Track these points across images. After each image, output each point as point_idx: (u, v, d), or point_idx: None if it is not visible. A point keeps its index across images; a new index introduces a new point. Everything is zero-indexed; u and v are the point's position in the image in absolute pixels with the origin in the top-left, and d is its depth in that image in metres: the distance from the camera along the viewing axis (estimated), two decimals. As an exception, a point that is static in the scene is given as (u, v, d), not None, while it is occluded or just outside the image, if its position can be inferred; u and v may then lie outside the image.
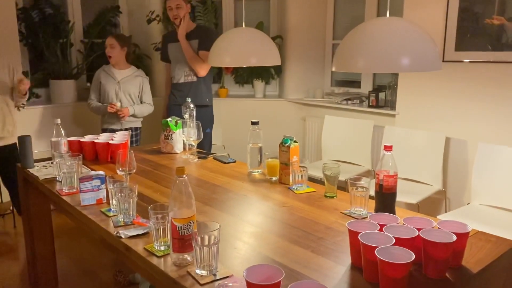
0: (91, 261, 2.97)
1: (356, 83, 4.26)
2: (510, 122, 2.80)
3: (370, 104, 3.73)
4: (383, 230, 1.26)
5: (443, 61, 3.07)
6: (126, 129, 3.31)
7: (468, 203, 2.81)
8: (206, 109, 3.42)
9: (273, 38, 4.40)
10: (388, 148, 1.57)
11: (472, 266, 1.29)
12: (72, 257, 3.02)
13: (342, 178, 1.99)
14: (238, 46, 2.34)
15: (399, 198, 2.86)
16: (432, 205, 3.15)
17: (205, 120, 3.26)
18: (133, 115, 3.38)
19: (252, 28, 2.45)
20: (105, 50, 3.34)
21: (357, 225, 1.30)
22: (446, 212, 2.91)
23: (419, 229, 1.25)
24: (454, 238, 1.20)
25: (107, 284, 2.66)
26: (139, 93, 3.39)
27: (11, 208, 3.55)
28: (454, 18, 2.98)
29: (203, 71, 3.32)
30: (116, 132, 2.69)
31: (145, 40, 4.41)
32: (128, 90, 3.34)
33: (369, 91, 3.76)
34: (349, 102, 3.93)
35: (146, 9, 4.28)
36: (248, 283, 1.00)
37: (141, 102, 3.47)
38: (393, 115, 3.48)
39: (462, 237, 1.25)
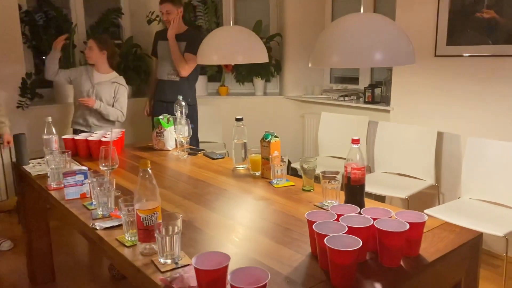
0: (87, 256, 3.06)
1: (354, 80, 4.27)
2: (500, 116, 2.79)
3: (366, 100, 3.74)
4: (339, 220, 1.29)
5: (435, 56, 3.07)
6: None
7: (459, 197, 2.81)
8: (188, 107, 3.50)
9: (272, 36, 4.44)
10: (355, 141, 1.60)
11: (429, 255, 1.31)
12: (68, 252, 3.11)
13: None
14: (225, 44, 2.38)
15: (389, 192, 2.91)
16: (425, 199, 3.15)
17: (188, 118, 3.37)
18: (99, 111, 3.26)
19: (239, 26, 2.49)
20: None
21: (316, 215, 1.34)
22: (438, 206, 2.92)
23: (375, 219, 1.28)
24: (407, 227, 1.23)
25: (102, 277, 2.75)
26: (112, 98, 3.31)
27: (15, 205, 3.67)
28: (445, 13, 2.98)
29: (185, 71, 3.50)
30: (112, 130, 2.77)
31: (147, 40, 4.49)
32: (101, 94, 3.27)
33: (364, 87, 3.77)
34: (346, 98, 3.94)
35: (147, 9, 4.35)
36: (196, 270, 1.05)
37: None
38: (388, 111, 3.49)
39: (417, 226, 1.28)
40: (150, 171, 1.34)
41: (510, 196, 2.56)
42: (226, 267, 1.04)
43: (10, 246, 3.13)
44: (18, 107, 3.72)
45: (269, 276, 1.00)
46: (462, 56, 2.93)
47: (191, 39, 3.48)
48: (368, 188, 2.14)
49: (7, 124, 3.10)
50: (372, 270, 1.24)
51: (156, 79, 3.71)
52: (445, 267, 1.34)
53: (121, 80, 3.39)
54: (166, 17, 3.46)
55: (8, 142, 3.09)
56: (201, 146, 3.68)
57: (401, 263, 1.27)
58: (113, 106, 3.32)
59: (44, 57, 4.11)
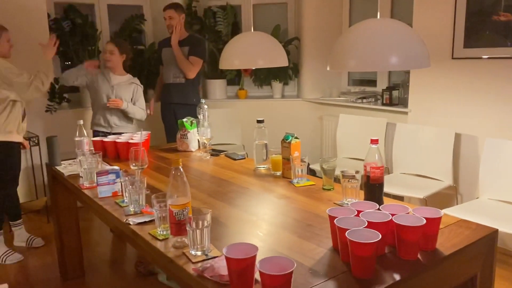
0: (114, 254, 3.19)
1: (372, 82, 4.32)
2: (518, 117, 2.82)
3: (384, 102, 3.79)
4: (359, 216, 1.37)
5: (452, 58, 3.11)
6: (115, 134, 3.15)
7: (477, 198, 2.85)
8: (193, 107, 3.67)
9: (291, 40, 4.53)
10: (374, 141, 1.68)
11: (445, 249, 1.38)
12: (97, 250, 3.25)
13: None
14: (246, 49, 2.48)
15: (407, 193, 2.96)
16: (443, 200, 3.19)
17: (193, 116, 3.52)
18: (125, 111, 3.36)
19: (260, 32, 2.59)
20: (104, 55, 3.40)
21: (337, 211, 1.42)
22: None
23: (393, 215, 1.36)
24: (423, 221, 1.30)
25: (129, 274, 2.87)
26: (131, 99, 3.41)
27: (45, 204, 3.83)
28: (462, 16, 3.02)
29: (192, 73, 3.71)
30: (137, 132, 2.89)
31: (168, 45, 4.62)
32: (120, 95, 3.36)
33: (382, 90, 3.82)
34: (364, 100, 4.00)
35: (168, 16, 4.49)
36: (227, 258, 1.14)
37: None
38: (406, 113, 3.53)
39: (433, 221, 1.35)
40: (181, 169, 1.44)
41: (528, 196, 2.59)
42: (254, 256, 1.13)
43: (41, 243, 3.29)
44: (46, 111, 3.88)
45: (295, 265, 1.08)
46: (480, 58, 2.97)
47: (194, 43, 3.74)
48: (386, 189, 2.21)
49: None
50: (390, 263, 1.31)
51: (162, 83, 3.93)
52: (460, 261, 1.40)
53: (137, 81, 3.52)
54: (169, 22, 3.67)
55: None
56: (221, 148, 3.79)
57: (418, 256, 1.33)
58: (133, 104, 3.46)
59: (69, 63, 4.28)
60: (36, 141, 3.60)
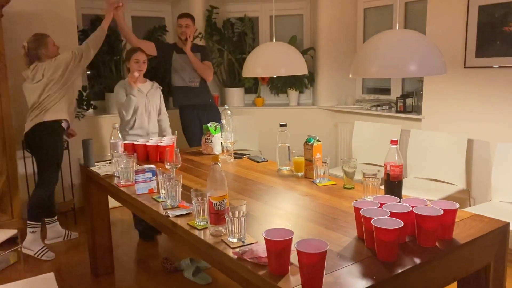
0: (141, 252, 3.34)
1: (386, 90, 4.47)
2: (529, 123, 2.94)
3: (398, 109, 3.92)
4: (382, 207, 1.51)
5: (465, 67, 3.25)
6: None
7: (490, 200, 2.96)
8: (211, 106, 4.04)
9: (306, 50, 4.70)
10: (394, 142, 1.82)
11: (461, 239, 1.51)
12: (125, 248, 3.41)
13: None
14: (268, 58, 2.64)
15: (421, 196, 3.07)
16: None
17: (215, 113, 3.94)
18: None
19: (281, 42, 2.75)
20: (135, 64, 3.37)
21: (362, 203, 1.56)
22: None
23: (413, 207, 1.49)
24: (441, 212, 1.44)
25: (156, 270, 3.01)
26: (159, 102, 3.59)
27: (72, 206, 4.01)
28: (473, 27, 3.17)
29: (211, 77, 3.96)
30: (164, 137, 3.06)
31: (189, 55, 4.82)
32: (154, 102, 3.51)
33: (396, 97, 3.96)
34: (378, 108, 4.14)
35: (189, 27, 4.69)
36: (266, 240, 1.28)
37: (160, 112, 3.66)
38: (419, 120, 3.67)
39: (450, 212, 1.48)
40: (220, 164, 1.60)
41: (539, 198, 2.70)
42: (291, 239, 1.28)
43: (76, 235, 3.59)
44: (75, 117, 4.07)
45: (328, 245, 1.23)
46: (491, 67, 3.10)
47: (203, 50, 3.97)
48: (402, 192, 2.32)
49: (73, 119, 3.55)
50: (411, 249, 1.44)
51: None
52: (474, 250, 1.53)
53: (156, 83, 3.63)
54: (184, 30, 3.80)
55: (71, 134, 3.60)
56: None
57: (436, 244, 1.47)
58: (160, 108, 3.61)
59: (99, 72, 4.48)
60: (66, 145, 3.78)
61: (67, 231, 3.58)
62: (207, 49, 4.13)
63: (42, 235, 3.38)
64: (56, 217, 3.54)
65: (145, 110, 3.45)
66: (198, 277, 2.83)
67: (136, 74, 3.32)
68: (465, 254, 1.50)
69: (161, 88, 3.65)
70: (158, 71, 4.56)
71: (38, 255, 3.20)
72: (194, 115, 3.99)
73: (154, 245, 3.44)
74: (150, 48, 3.84)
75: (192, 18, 3.89)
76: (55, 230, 3.52)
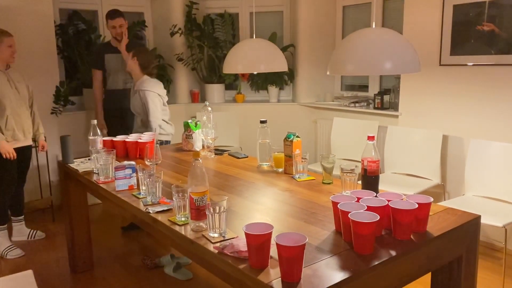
0: (121, 248, 3.33)
1: (364, 87, 4.54)
2: (500, 120, 3.04)
3: (376, 106, 3.99)
4: (359, 201, 1.55)
5: (440, 65, 3.33)
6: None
7: (463, 194, 3.05)
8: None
9: (286, 47, 4.73)
10: (371, 138, 1.87)
11: (434, 232, 1.57)
12: (104, 245, 3.39)
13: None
14: (248, 54, 2.66)
15: (397, 190, 3.14)
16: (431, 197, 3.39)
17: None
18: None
19: (261, 39, 2.77)
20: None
21: (340, 198, 1.60)
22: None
23: (389, 201, 1.54)
24: (416, 206, 1.49)
25: (136, 267, 3.01)
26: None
27: (50, 203, 3.96)
28: (448, 26, 3.25)
29: None
30: (144, 133, 3.05)
31: (169, 51, 4.79)
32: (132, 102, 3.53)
33: (374, 94, 4.03)
34: (357, 104, 4.21)
35: (169, 23, 4.66)
36: (246, 234, 1.31)
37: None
38: (397, 116, 3.74)
39: (424, 206, 1.53)
40: (200, 160, 1.61)
41: (510, 192, 2.80)
42: (271, 233, 1.30)
43: (42, 235, 3.52)
44: (52, 113, 4.02)
45: (307, 239, 1.26)
46: (465, 65, 3.19)
47: (138, 48, 3.66)
48: (379, 187, 2.38)
49: (41, 132, 3.40)
50: (387, 242, 1.49)
51: (103, 90, 3.86)
52: (447, 242, 1.59)
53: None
54: (120, 30, 3.69)
55: (43, 147, 3.40)
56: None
57: (411, 237, 1.52)
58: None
59: (76, 67, 4.41)
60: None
61: (31, 231, 3.49)
62: (143, 46, 3.91)
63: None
64: (22, 216, 3.47)
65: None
66: (179, 273, 2.84)
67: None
68: (439, 246, 1.56)
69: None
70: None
71: (3, 255, 3.18)
72: (116, 116, 3.77)
73: (134, 242, 3.43)
74: None
75: (123, 15, 3.74)
76: (21, 228, 3.47)
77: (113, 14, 3.70)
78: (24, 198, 3.46)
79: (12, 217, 3.42)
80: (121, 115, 3.79)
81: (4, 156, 3.04)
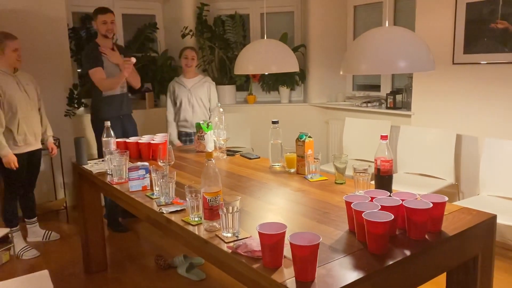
0: (135, 249, 3.35)
1: (376, 87, 4.51)
2: (516, 118, 3.00)
3: (388, 106, 3.97)
4: (373, 201, 1.54)
5: (453, 63, 3.30)
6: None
7: (478, 194, 3.02)
8: (130, 116, 3.75)
9: (297, 47, 4.73)
10: (384, 137, 1.86)
11: (449, 231, 1.55)
12: (118, 245, 3.41)
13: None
14: (259, 55, 2.66)
15: (411, 191, 3.11)
16: (445, 198, 3.36)
17: (134, 125, 3.76)
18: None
19: (272, 39, 2.77)
20: (185, 60, 3.76)
21: (353, 197, 1.59)
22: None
23: (403, 200, 1.53)
24: (430, 205, 1.47)
25: (149, 267, 3.03)
26: (208, 96, 3.88)
27: (64, 205, 4.00)
28: (461, 24, 3.21)
29: (139, 83, 3.71)
30: (156, 134, 3.07)
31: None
32: (199, 95, 3.81)
33: (386, 94, 4.01)
34: (369, 104, 4.18)
35: (180, 24, 4.69)
36: (260, 234, 1.31)
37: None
38: (409, 116, 3.71)
39: (439, 205, 1.52)
40: (213, 161, 1.62)
41: (526, 192, 2.76)
42: (284, 232, 1.30)
43: (57, 236, 3.54)
44: (65, 115, 4.07)
45: (320, 238, 1.26)
46: (479, 63, 3.15)
47: (125, 52, 3.68)
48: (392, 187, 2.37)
49: (49, 134, 3.40)
50: (401, 242, 1.48)
51: (102, 96, 3.53)
52: (463, 242, 1.57)
53: (209, 79, 3.96)
54: (111, 26, 3.46)
55: (52, 150, 3.41)
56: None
57: (426, 236, 1.50)
58: (209, 102, 3.89)
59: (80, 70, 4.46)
60: (57, 144, 3.77)
61: (46, 232, 3.52)
62: (128, 51, 3.80)
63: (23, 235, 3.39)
64: (36, 218, 3.51)
65: (188, 103, 3.76)
66: (192, 273, 2.85)
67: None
68: (454, 246, 1.54)
69: (213, 83, 3.92)
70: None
71: (18, 255, 3.21)
72: (118, 123, 3.54)
73: (147, 242, 3.46)
74: (137, 81, 3.66)
75: (113, 12, 3.51)
76: (36, 230, 3.51)
77: (104, 9, 3.49)
78: (35, 201, 3.50)
79: (25, 220, 3.47)
80: (122, 122, 3.61)
81: (7, 166, 3.06)
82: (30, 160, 3.27)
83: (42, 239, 3.50)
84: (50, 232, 3.54)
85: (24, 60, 3.28)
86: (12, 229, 3.23)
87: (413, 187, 3.13)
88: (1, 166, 3.09)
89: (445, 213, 1.57)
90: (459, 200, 3.31)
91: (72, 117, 4.12)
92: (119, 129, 3.54)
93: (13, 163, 3.05)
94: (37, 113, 3.29)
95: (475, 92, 3.21)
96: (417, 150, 3.46)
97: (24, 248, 3.23)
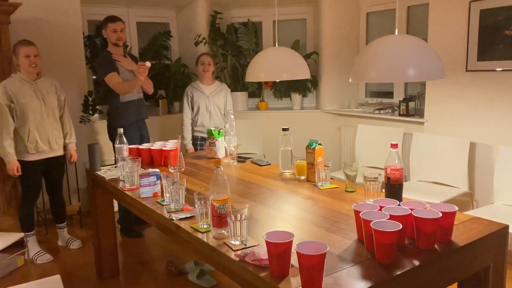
0: (146, 254, 3.38)
1: (389, 94, 4.49)
2: (531, 126, 2.95)
3: (401, 113, 3.94)
4: (382, 210, 1.54)
5: (467, 70, 3.27)
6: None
7: (492, 203, 2.97)
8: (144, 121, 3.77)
9: (309, 54, 4.73)
10: (394, 146, 1.84)
11: (460, 241, 1.53)
12: (130, 250, 3.44)
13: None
14: (271, 62, 2.67)
15: (424, 199, 3.09)
16: (459, 206, 3.29)
17: (146, 129, 3.79)
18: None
19: (284, 47, 2.78)
20: (202, 66, 3.86)
21: (362, 206, 1.59)
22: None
23: (412, 209, 1.52)
24: (440, 215, 1.46)
25: (161, 273, 3.05)
26: (224, 103, 3.96)
27: (78, 210, 4.06)
28: (475, 31, 3.18)
29: (152, 89, 3.74)
30: (168, 141, 3.10)
31: (193, 60, 4.85)
32: (216, 102, 3.88)
33: (399, 101, 3.98)
34: (381, 111, 4.16)
35: (194, 32, 4.74)
36: (267, 243, 1.31)
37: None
38: (422, 123, 3.68)
39: (448, 215, 1.51)
40: (222, 168, 1.63)
41: (541, 201, 2.71)
42: (291, 241, 1.30)
43: (79, 245, 3.53)
44: (80, 122, 4.13)
45: (327, 247, 1.25)
46: (494, 70, 3.11)
47: (136, 60, 3.75)
48: (404, 195, 2.35)
49: (70, 141, 3.44)
50: (410, 252, 1.47)
51: (120, 102, 3.54)
52: (473, 252, 1.55)
53: (225, 86, 4.05)
54: (121, 35, 3.51)
55: (71, 157, 3.46)
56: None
57: (435, 246, 1.49)
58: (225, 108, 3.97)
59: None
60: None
61: (69, 239, 3.56)
62: (137, 58, 3.87)
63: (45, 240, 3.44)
64: (64, 223, 3.58)
65: (206, 110, 3.84)
66: (203, 280, 2.86)
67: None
68: (464, 256, 1.52)
69: (229, 89, 4.01)
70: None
71: (33, 260, 3.27)
72: (135, 127, 3.60)
73: (159, 248, 3.48)
74: (150, 87, 3.69)
75: (123, 21, 3.56)
76: (63, 234, 3.58)
77: (114, 18, 3.52)
78: (65, 206, 3.58)
79: (56, 224, 3.56)
80: (139, 127, 3.66)
81: (9, 173, 3.12)
82: (48, 167, 3.33)
83: (65, 244, 3.55)
84: (73, 239, 3.55)
85: (41, 67, 3.33)
86: (27, 233, 3.27)
87: (426, 195, 3.09)
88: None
89: (456, 222, 1.56)
90: (473, 209, 3.27)
91: (86, 124, 4.18)
92: (137, 133, 3.62)
93: (13, 170, 3.10)
94: (55, 120, 3.30)
95: (489, 99, 3.17)
96: (430, 158, 3.43)
97: (39, 253, 3.28)
